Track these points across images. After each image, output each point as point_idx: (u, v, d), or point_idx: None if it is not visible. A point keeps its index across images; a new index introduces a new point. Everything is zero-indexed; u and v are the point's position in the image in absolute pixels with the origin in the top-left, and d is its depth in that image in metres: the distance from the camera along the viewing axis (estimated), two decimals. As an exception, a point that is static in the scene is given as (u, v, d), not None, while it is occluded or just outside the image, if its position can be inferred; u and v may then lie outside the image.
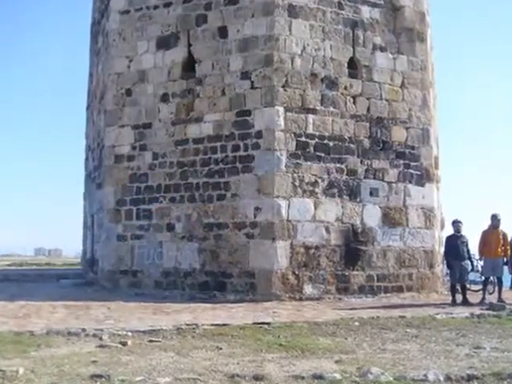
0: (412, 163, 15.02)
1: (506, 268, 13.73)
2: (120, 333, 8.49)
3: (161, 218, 14.68)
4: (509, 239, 13.72)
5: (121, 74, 15.60)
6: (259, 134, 13.83)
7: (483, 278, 14.17)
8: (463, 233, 13.76)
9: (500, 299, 13.06)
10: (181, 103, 14.76)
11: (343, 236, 14.02)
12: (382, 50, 14.97)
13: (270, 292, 13.27)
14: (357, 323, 9.88)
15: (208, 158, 14.28)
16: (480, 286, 14.46)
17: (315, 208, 13.84)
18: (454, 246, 13.45)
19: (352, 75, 14.62)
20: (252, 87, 14.04)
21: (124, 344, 7.73)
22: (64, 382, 5.75)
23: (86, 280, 17.65)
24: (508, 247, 13.58)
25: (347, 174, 14.25)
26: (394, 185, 14.74)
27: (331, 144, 14.16)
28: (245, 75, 14.13)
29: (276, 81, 13.86)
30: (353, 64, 14.68)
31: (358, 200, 14.30)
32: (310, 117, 14.02)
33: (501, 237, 13.53)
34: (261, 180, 13.72)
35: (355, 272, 14.01)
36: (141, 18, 15.45)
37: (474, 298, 13.61)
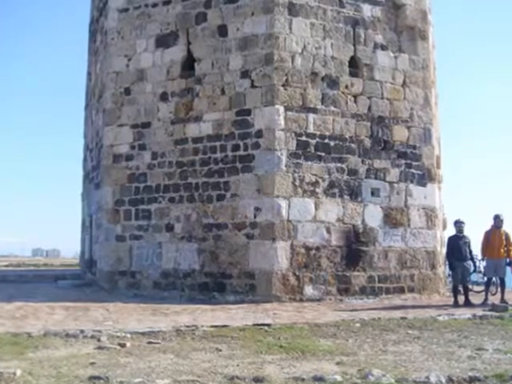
0: (414, 163, 14.93)
1: (508, 269, 13.63)
2: (119, 334, 8.45)
3: (160, 219, 14.58)
4: (512, 239, 13.61)
5: (119, 72, 15.49)
6: (259, 134, 13.73)
7: (485, 278, 14.08)
8: (465, 233, 13.71)
9: (503, 300, 12.98)
10: (180, 102, 14.66)
11: (344, 236, 13.92)
12: (384, 48, 14.89)
13: (270, 293, 13.17)
14: (358, 324, 9.85)
15: (207, 158, 14.18)
16: (482, 287, 14.37)
17: (316, 208, 13.74)
18: (456, 247, 13.38)
19: (353, 74, 14.53)
20: (252, 86, 13.94)
21: (123, 346, 7.70)
22: (61, 384, 5.70)
23: (85, 281, 17.57)
24: (511, 247, 13.48)
25: (348, 174, 14.15)
26: (395, 185, 14.64)
27: (332, 143, 14.07)
28: (245, 74, 14.03)
29: (276, 80, 13.76)
30: (354, 63, 14.59)
31: (359, 200, 14.20)
32: (311, 116, 13.93)
33: (503, 237, 13.44)
34: (261, 180, 13.62)
35: (356, 273, 13.92)
36: (140, 16, 15.36)
37: (476, 299, 13.56)
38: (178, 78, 14.79)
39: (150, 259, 14.57)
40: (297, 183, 13.64)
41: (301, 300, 13.20)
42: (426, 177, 15.11)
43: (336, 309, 12.20)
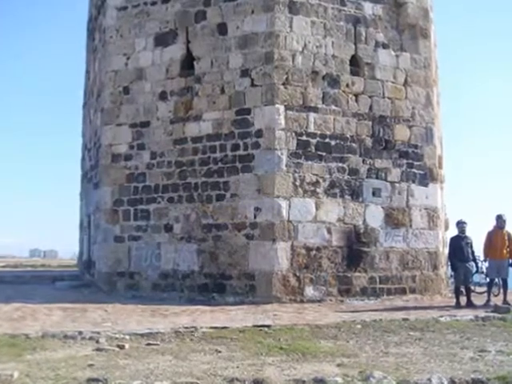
0: (415, 163, 14.84)
1: (511, 269, 13.53)
2: (117, 336, 8.42)
3: (159, 219, 14.48)
4: (514, 240, 13.50)
5: (118, 71, 15.39)
6: (259, 133, 13.64)
7: (488, 279, 14.00)
8: (468, 234, 13.63)
9: (505, 301, 12.89)
10: (179, 101, 14.57)
11: (345, 237, 13.83)
12: (385, 47, 14.80)
13: (270, 294, 13.07)
14: (359, 326, 9.80)
15: (207, 158, 14.09)
16: (485, 288, 14.29)
17: (316, 208, 13.64)
18: (459, 247, 13.30)
19: (354, 73, 14.44)
20: (252, 85, 13.85)
21: (121, 347, 7.67)
22: (59, 386, 5.68)
23: (83, 282, 17.47)
24: (513, 248, 13.38)
25: (349, 174, 14.05)
26: (396, 185, 14.55)
27: (333, 143, 13.97)
28: (245, 73, 13.95)
29: (276, 78, 13.67)
30: (355, 61, 14.50)
31: (360, 200, 14.11)
32: (311, 115, 13.84)
33: (506, 238, 13.35)
34: (261, 180, 13.53)
35: (357, 274, 13.82)
36: (138, 14, 15.27)
37: (478, 300, 13.48)
38: (177, 77, 14.70)
39: (149, 260, 14.48)
40: (297, 183, 13.54)
41: (301, 301, 13.11)
42: (427, 177, 15.02)
43: (337, 310, 12.12)
